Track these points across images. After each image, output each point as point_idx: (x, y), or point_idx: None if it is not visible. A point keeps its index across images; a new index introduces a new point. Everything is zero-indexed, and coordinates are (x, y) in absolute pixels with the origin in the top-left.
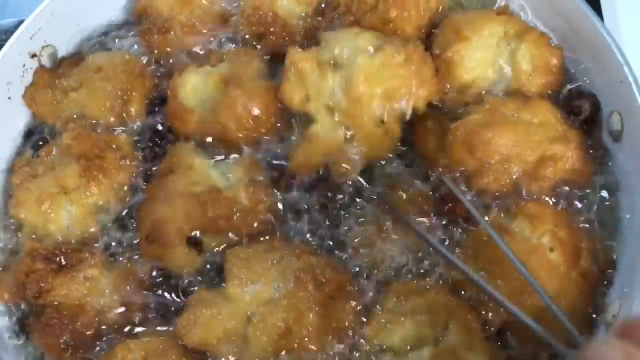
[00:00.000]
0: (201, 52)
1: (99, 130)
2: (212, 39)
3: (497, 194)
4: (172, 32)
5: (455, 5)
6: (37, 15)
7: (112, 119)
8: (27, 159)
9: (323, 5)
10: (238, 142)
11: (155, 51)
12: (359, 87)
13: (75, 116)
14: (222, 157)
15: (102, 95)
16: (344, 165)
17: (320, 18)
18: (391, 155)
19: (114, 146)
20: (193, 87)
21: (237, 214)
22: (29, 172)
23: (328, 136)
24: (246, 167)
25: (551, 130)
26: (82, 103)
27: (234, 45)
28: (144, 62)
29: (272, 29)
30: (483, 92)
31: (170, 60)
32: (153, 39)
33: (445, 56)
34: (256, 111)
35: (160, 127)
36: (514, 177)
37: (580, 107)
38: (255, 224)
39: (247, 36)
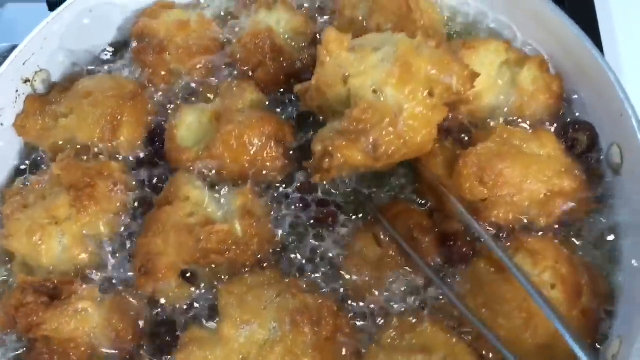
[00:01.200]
0: (195, 79)
1: (91, 157)
2: (207, 64)
3: (502, 226)
4: (167, 53)
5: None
6: (30, 41)
7: (102, 145)
8: (18, 188)
9: (318, 36)
10: (236, 174)
11: (149, 70)
12: (404, 57)
13: (66, 143)
14: (224, 187)
15: (91, 121)
16: (394, 142)
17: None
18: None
19: (105, 174)
20: (188, 127)
21: (231, 248)
22: (20, 202)
23: (377, 109)
24: (244, 197)
25: (558, 163)
26: (72, 129)
27: (228, 72)
28: (137, 85)
29: (269, 58)
30: (485, 108)
31: (165, 85)
32: (148, 58)
33: None
34: (250, 142)
35: (157, 154)
36: (523, 210)
37: (577, 140)
38: (250, 258)
39: (243, 68)
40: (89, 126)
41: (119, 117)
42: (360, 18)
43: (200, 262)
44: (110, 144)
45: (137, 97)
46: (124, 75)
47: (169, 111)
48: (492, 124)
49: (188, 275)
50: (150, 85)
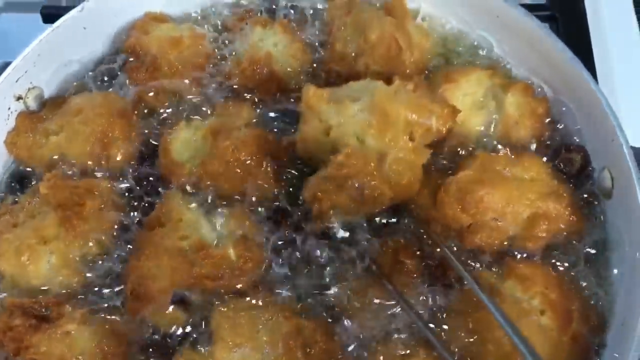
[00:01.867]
0: (190, 97)
1: (80, 175)
2: (201, 80)
3: (489, 252)
4: (160, 72)
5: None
6: (23, 58)
7: (92, 163)
8: (7, 206)
9: (314, 65)
10: (229, 191)
11: (143, 89)
12: (382, 106)
13: (56, 161)
14: (218, 208)
15: (81, 138)
16: (379, 186)
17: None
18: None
19: (95, 192)
20: (183, 142)
21: (225, 272)
22: (10, 221)
23: (360, 156)
24: (238, 219)
25: (543, 186)
26: (63, 147)
27: (223, 90)
28: (128, 102)
29: (266, 84)
30: (470, 139)
31: (158, 103)
32: (141, 77)
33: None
34: (246, 160)
35: (149, 172)
36: (508, 234)
37: (571, 160)
38: (243, 282)
39: (236, 86)
40: (79, 144)
41: (110, 135)
42: (352, 54)
43: (194, 287)
44: (100, 162)
45: (127, 114)
46: (117, 92)
47: (163, 128)
48: (477, 152)
49: (180, 299)
50: (143, 103)
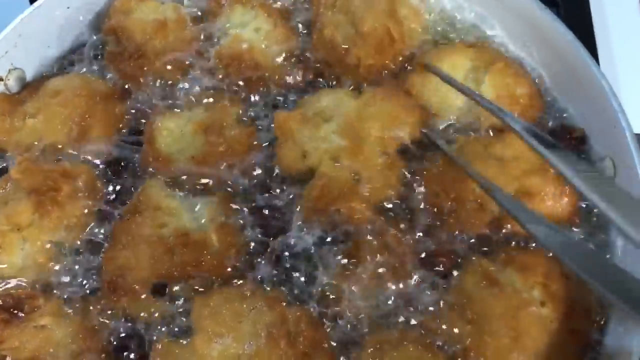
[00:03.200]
0: (174, 86)
1: (58, 159)
2: (186, 68)
3: (479, 236)
4: (145, 59)
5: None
6: (4, 38)
7: (70, 146)
8: None
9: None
10: (216, 185)
11: (125, 77)
12: (353, 125)
13: (33, 144)
14: (198, 196)
15: (59, 121)
16: (356, 206)
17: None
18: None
19: (71, 177)
20: (170, 133)
21: (207, 259)
22: None
23: (336, 181)
24: (219, 206)
25: (527, 162)
26: (40, 130)
27: (209, 82)
28: (109, 86)
29: (249, 75)
30: (450, 125)
31: (142, 90)
32: (123, 65)
33: (405, 86)
34: (238, 161)
35: (128, 158)
36: (492, 216)
37: (570, 133)
38: (226, 269)
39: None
40: (57, 127)
41: (89, 118)
42: (342, 43)
43: (175, 276)
44: (78, 146)
45: (109, 98)
46: (99, 74)
47: (147, 116)
48: (457, 137)
49: (160, 288)
50: (128, 87)
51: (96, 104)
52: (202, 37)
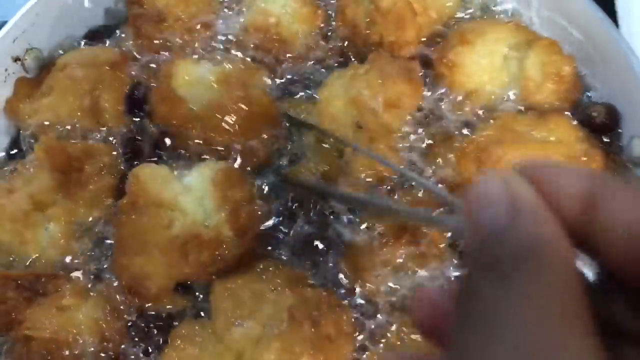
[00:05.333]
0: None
1: (78, 137)
2: (211, 42)
3: None
4: (166, 24)
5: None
6: (21, 17)
7: (86, 121)
8: (4, 171)
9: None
10: (224, 143)
11: (143, 40)
12: None
13: (52, 124)
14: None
15: (70, 94)
16: None
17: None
18: None
19: (95, 156)
20: (189, 78)
21: (224, 253)
22: (6, 187)
23: None
24: (221, 184)
25: (570, 148)
26: (56, 107)
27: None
28: (117, 53)
29: (275, 50)
30: (490, 102)
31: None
32: (144, 26)
33: (446, 59)
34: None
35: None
36: None
37: (595, 113)
38: (245, 256)
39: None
40: (70, 101)
41: (100, 86)
42: (364, 21)
43: (194, 277)
44: (94, 120)
45: (117, 64)
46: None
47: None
48: (497, 113)
49: (183, 288)
50: (140, 56)
51: (104, 71)
52: (226, 8)
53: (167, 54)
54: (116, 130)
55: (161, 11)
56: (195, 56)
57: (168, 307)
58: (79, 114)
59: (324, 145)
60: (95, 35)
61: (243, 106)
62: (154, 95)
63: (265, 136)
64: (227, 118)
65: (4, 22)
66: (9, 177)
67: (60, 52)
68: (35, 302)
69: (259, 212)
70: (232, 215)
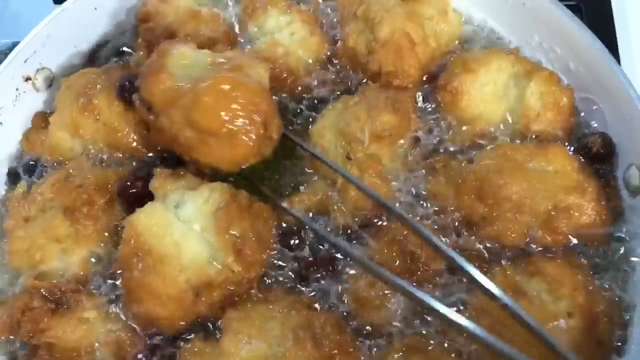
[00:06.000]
0: None
1: (96, 161)
2: None
3: (508, 245)
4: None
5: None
6: (33, 38)
7: (89, 137)
8: (19, 195)
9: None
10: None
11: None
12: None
13: (64, 146)
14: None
15: (68, 115)
16: None
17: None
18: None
19: (105, 187)
20: (185, 61)
21: (233, 290)
22: (21, 214)
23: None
24: (224, 221)
25: (567, 179)
26: (59, 126)
27: None
28: (112, 73)
29: (281, 78)
30: (490, 129)
31: None
32: (154, 39)
33: (450, 87)
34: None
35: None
36: (526, 228)
37: (591, 143)
38: (252, 282)
39: None
40: (72, 121)
41: (94, 101)
42: (364, 51)
43: (207, 316)
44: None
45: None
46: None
47: None
48: (497, 142)
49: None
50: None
51: (97, 91)
52: (235, 34)
53: None
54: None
55: (171, 24)
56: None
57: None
58: (80, 131)
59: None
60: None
61: (227, 86)
62: (146, 67)
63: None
64: (208, 98)
65: (16, 43)
66: (22, 203)
67: (69, 71)
68: (58, 313)
69: (261, 246)
70: (239, 253)
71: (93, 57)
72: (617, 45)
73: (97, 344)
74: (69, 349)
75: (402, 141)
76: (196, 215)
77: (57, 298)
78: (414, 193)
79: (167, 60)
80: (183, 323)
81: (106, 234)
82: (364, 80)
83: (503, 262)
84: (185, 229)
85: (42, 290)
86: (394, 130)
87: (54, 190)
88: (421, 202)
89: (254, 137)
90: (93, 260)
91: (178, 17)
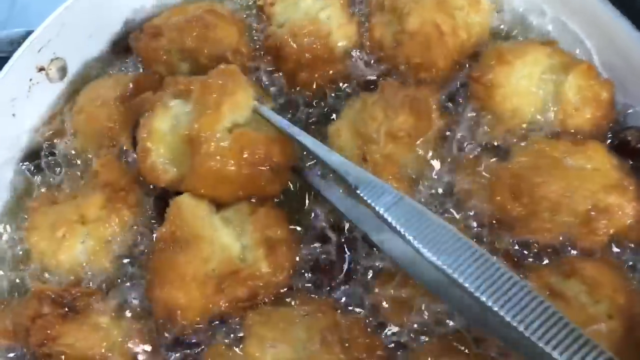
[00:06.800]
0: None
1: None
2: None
3: (543, 246)
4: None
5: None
6: (47, 26)
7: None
8: (48, 183)
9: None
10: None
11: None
12: None
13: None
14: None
15: (91, 137)
16: None
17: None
18: None
19: (140, 185)
20: (162, 139)
21: (259, 289)
22: (49, 198)
23: None
24: (261, 222)
25: (606, 177)
26: (84, 148)
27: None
28: (126, 84)
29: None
30: (525, 125)
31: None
32: (141, 45)
33: (485, 79)
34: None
35: None
36: (564, 228)
37: (627, 137)
38: (279, 291)
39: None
40: (94, 142)
41: (113, 125)
42: (391, 43)
43: (229, 312)
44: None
45: (126, 98)
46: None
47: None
48: (532, 138)
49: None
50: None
51: (115, 108)
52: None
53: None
54: None
55: (157, 26)
56: None
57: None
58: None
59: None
60: (118, 48)
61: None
62: (141, 169)
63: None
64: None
65: (30, 32)
66: (51, 188)
67: (84, 61)
68: (69, 319)
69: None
70: (271, 253)
71: (110, 48)
72: None
73: (110, 352)
74: (81, 356)
75: (424, 140)
76: (236, 219)
77: (68, 302)
78: (440, 192)
79: (152, 146)
80: (199, 319)
81: (132, 228)
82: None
83: (537, 262)
84: (224, 226)
85: (51, 295)
86: (412, 131)
87: (104, 162)
88: (449, 201)
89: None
90: (114, 252)
91: (163, 17)
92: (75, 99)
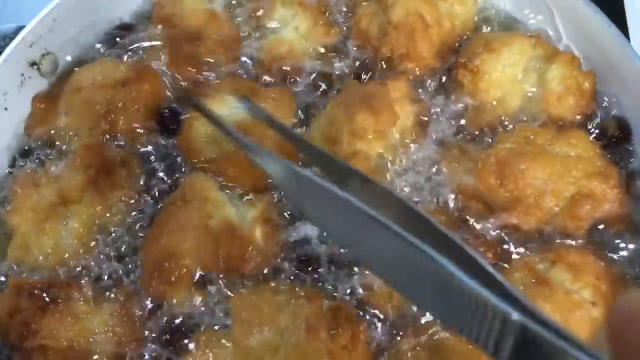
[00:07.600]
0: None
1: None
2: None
3: (527, 232)
4: (200, 43)
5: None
6: (38, 22)
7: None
8: (31, 168)
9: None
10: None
11: (177, 59)
12: None
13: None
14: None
15: (87, 117)
16: None
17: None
18: None
19: (127, 166)
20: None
21: (251, 255)
22: (32, 180)
23: None
24: (263, 207)
25: (589, 164)
26: (75, 127)
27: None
28: (132, 68)
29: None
30: (509, 112)
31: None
32: (180, 46)
33: (472, 65)
34: None
35: (163, 145)
36: (548, 213)
37: (607, 127)
38: (265, 268)
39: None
40: (87, 122)
41: (114, 106)
42: (377, 34)
43: (220, 267)
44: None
45: (131, 82)
46: (133, 60)
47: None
48: (517, 125)
49: (202, 284)
50: (171, 72)
51: (118, 91)
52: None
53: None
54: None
55: (195, 30)
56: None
57: (181, 303)
58: (97, 134)
59: None
60: (111, 41)
61: None
62: (180, 140)
63: None
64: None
65: (21, 27)
66: (34, 174)
67: (75, 56)
68: (48, 311)
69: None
70: (265, 227)
71: (101, 43)
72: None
73: (93, 341)
74: (65, 349)
75: (401, 130)
76: (243, 207)
77: (46, 295)
78: (423, 180)
79: (197, 125)
80: (193, 271)
81: (114, 210)
82: (379, 66)
83: (522, 249)
84: (230, 203)
85: (29, 288)
86: (376, 126)
87: (87, 143)
88: (431, 187)
89: None
90: (97, 234)
91: (197, 21)
92: (70, 79)
